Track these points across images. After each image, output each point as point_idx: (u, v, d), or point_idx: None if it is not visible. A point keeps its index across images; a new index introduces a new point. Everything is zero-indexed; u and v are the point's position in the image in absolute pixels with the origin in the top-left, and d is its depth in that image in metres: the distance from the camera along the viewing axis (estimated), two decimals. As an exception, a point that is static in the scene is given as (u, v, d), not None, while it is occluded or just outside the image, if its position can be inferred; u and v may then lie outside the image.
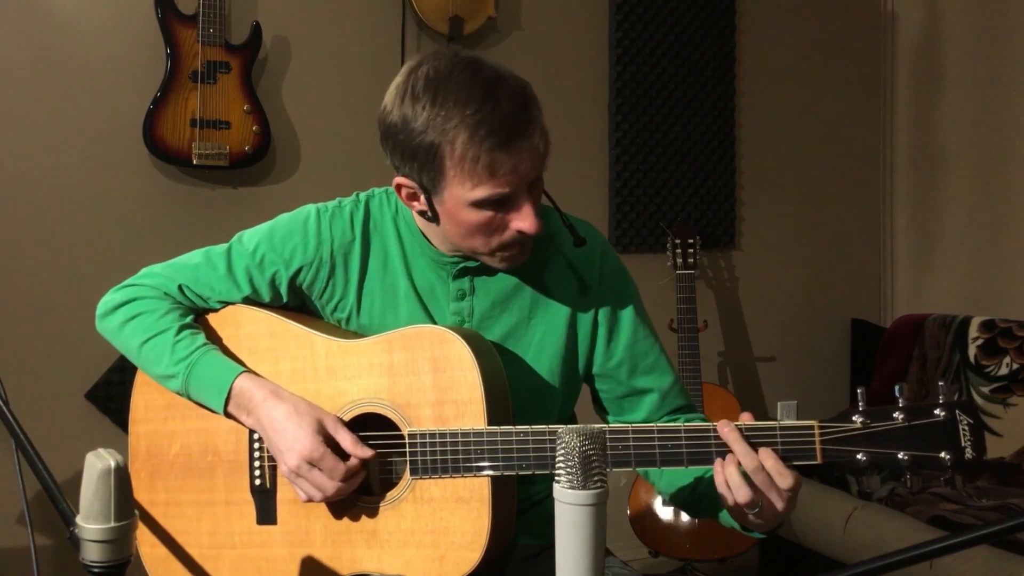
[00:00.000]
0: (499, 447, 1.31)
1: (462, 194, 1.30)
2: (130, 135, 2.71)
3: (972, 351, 3.15)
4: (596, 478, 0.96)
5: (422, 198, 1.36)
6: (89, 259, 2.71)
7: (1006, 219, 3.43)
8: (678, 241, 3.18)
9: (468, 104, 1.26)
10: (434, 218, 1.37)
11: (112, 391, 2.73)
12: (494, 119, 1.26)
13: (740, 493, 1.23)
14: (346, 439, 1.35)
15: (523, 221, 1.32)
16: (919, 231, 3.77)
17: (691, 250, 3.17)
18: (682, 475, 1.45)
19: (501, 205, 1.32)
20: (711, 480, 1.30)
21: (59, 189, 2.71)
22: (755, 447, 1.24)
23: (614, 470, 1.29)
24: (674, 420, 1.52)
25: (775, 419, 3.90)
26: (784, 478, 1.22)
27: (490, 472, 1.32)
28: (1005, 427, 3.00)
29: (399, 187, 1.38)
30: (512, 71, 1.34)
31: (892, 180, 3.86)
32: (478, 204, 1.30)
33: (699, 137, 3.47)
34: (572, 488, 0.96)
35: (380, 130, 1.36)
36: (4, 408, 1.21)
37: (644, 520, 2.99)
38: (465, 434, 1.32)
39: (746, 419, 1.28)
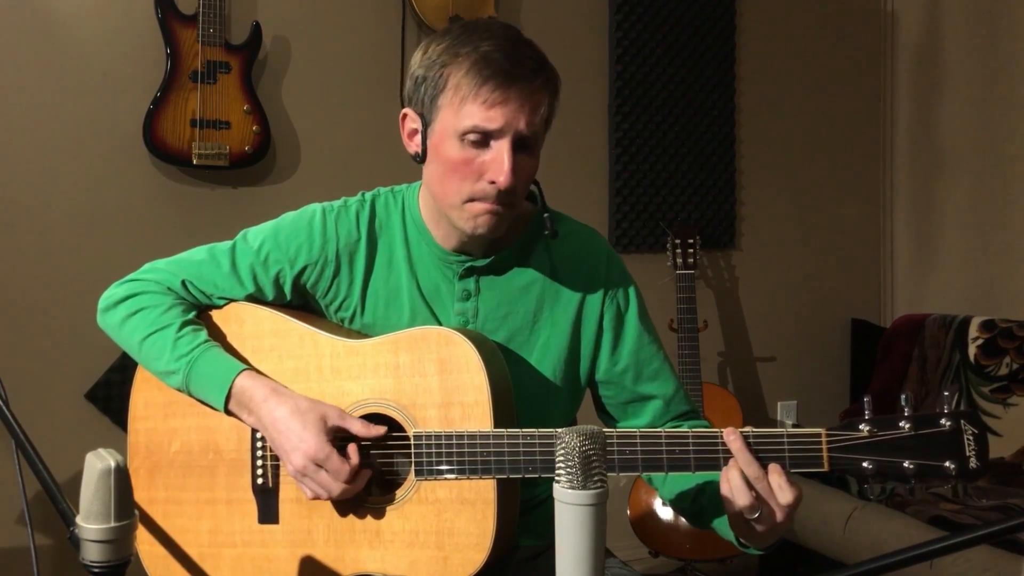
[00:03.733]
0: (506, 450, 1.31)
1: (450, 120, 1.33)
2: (130, 135, 2.71)
3: (972, 351, 3.15)
4: (596, 478, 0.96)
5: (418, 136, 1.39)
6: (89, 259, 2.71)
7: (1006, 219, 3.43)
8: (678, 241, 3.18)
9: (487, 41, 1.32)
10: (423, 158, 1.40)
11: (112, 391, 2.73)
12: (504, 56, 1.31)
13: (739, 497, 1.24)
14: (355, 424, 1.36)
15: (498, 171, 1.32)
16: (919, 231, 3.77)
17: (691, 250, 3.17)
18: (685, 483, 1.44)
19: (484, 143, 1.33)
20: (713, 491, 1.30)
21: (59, 189, 2.71)
22: (763, 458, 1.24)
23: (621, 475, 1.30)
24: (678, 426, 1.52)
25: (775, 419, 3.89)
26: (785, 494, 1.23)
27: (497, 475, 1.32)
28: (1005, 427, 2.99)
29: (404, 118, 1.42)
30: None
31: (892, 180, 3.85)
32: (462, 135, 1.32)
33: (699, 137, 3.47)
34: (572, 488, 0.95)
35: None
36: (4, 408, 1.21)
37: (644, 520, 2.99)
38: (472, 436, 1.32)
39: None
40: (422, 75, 1.36)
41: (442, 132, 1.35)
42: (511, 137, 1.32)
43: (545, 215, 1.44)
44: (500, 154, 1.32)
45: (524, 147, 1.35)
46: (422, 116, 1.38)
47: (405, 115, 1.42)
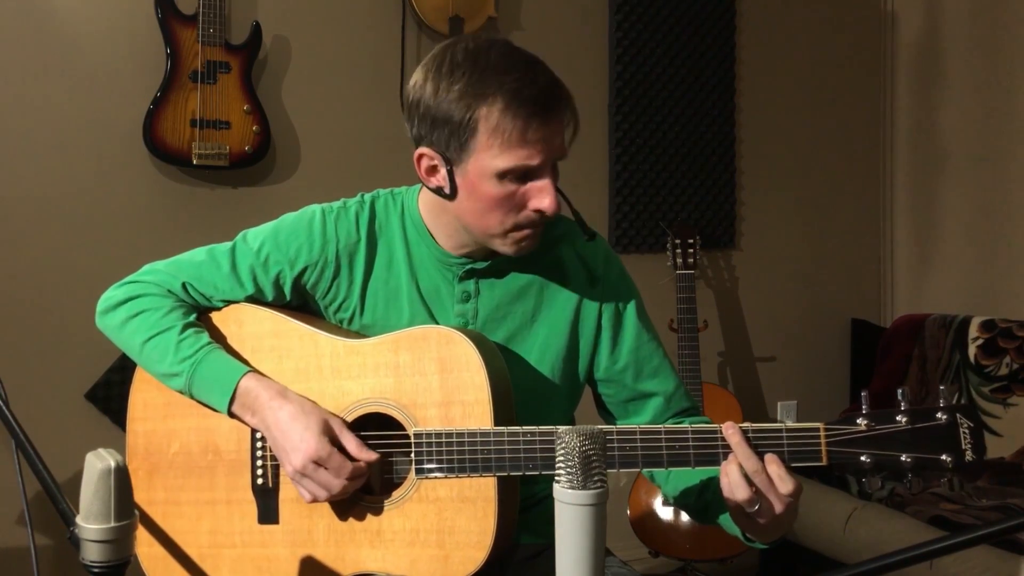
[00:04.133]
0: (506, 448, 1.31)
1: (489, 162, 1.31)
2: (130, 135, 2.71)
3: (972, 351, 3.15)
4: (596, 478, 0.96)
5: (442, 171, 1.36)
6: (89, 259, 2.71)
7: (1006, 219, 3.43)
8: (678, 241, 3.18)
9: (508, 73, 1.29)
10: (452, 194, 1.37)
11: (112, 391, 2.73)
12: (534, 88, 1.29)
13: (738, 491, 1.24)
14: (351, 442, 1.36)
15: (543, 199, 1.33)
16: (919, 231, 3.77)
17: (691, 250, 3.17)
18: (689, 480, 1.45)
19: (525, 178, 1.33)
20: (717, 487, 1.30)
21: (59, 189, 2.71)
22: (761, 450, 1.25)
23: (620, 471, 1.30)
24: (679, 423, 1.52)
25: (775, 419, 3.91)
26: (785, 483, 1.24)
27: (497, 473, 1.32)
28: (1005, 427, 3.00)
29: (420, 158, 1.38)
30: None
31: (892, 180, 3.85)
32: (503, 175, 1.31)
33: (699, 137, 3.47)
34: (572, 488, 0.95)
35: (407, 102, 1.37)
36: (4, 408, 1.21)
37: (644, 520, 2.99)
38: (472, 434, 1.32)
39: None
40: (441, 117, 1.31)
41: (477, 172, 1.33)
42: (551, 166, 1.34)
43: (578, 219, 1.46)
44: (545, 184, 1.33)
45: (555, 166, 1.36)
46: (443, 156, 1.35)
47: (421, 155, 1.37)
